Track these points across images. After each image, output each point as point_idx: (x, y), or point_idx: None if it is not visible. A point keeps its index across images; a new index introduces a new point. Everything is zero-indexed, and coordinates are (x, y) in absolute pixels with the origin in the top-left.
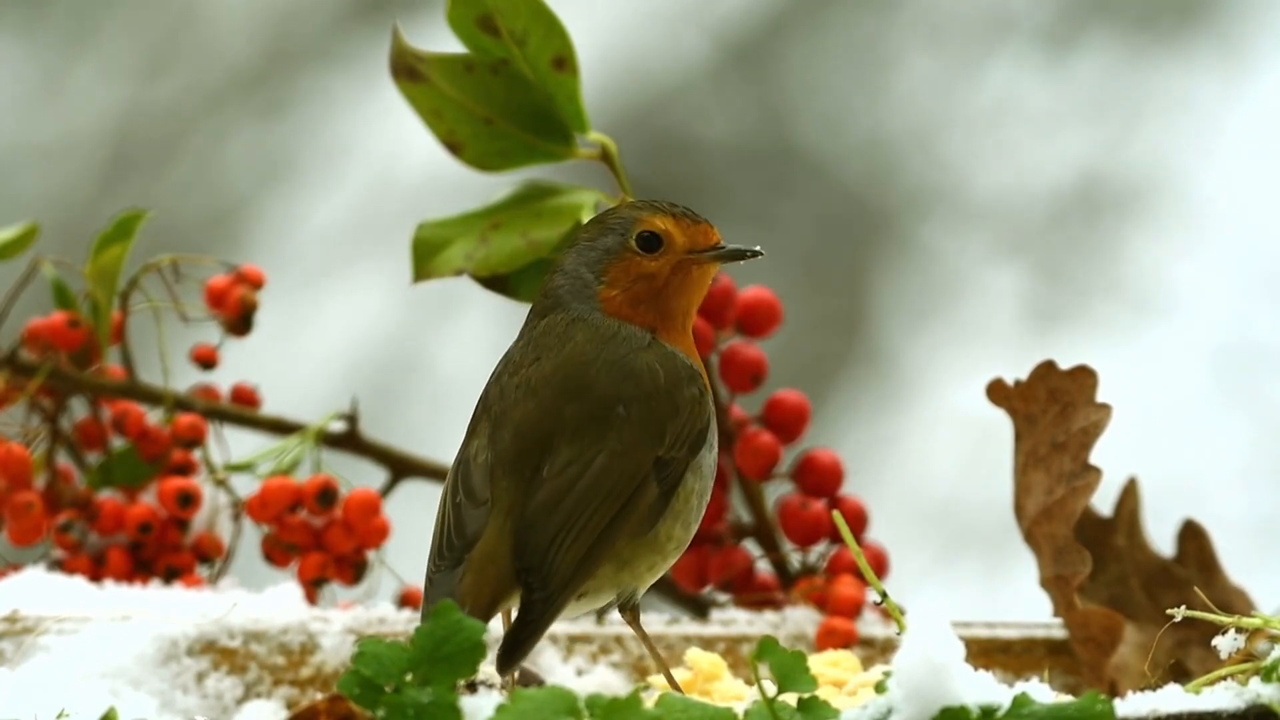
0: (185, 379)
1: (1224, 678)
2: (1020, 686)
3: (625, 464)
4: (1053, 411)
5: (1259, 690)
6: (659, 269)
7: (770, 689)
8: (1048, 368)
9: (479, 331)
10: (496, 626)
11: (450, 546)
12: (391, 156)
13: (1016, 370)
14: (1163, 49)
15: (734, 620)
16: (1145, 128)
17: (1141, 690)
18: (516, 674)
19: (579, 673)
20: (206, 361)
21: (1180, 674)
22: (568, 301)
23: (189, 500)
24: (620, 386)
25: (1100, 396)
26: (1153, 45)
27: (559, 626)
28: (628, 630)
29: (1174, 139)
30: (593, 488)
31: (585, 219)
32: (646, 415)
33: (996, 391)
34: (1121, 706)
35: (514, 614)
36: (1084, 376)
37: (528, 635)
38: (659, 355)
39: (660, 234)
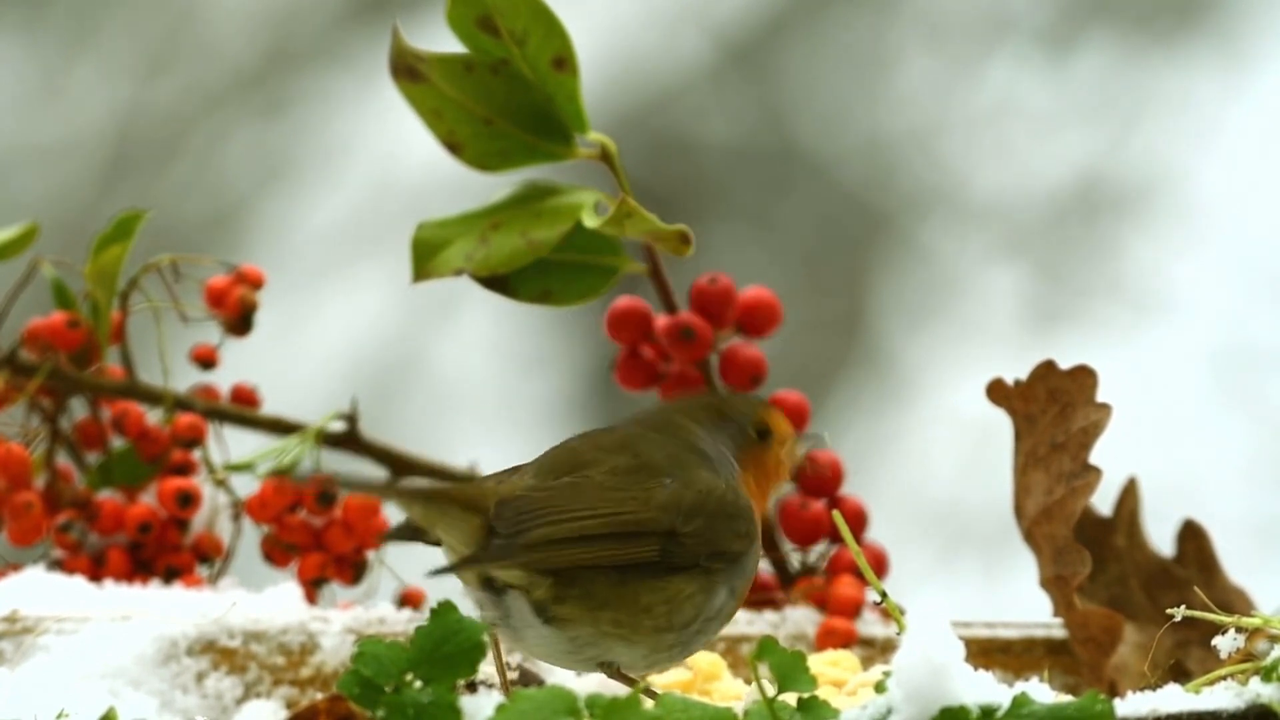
0: (185, 379)
1: (1224, 678)
2: (1020, 686)
3: (642, 509)
4: (1052, 411)
5: (1259, 690)
6: (771, 457)
7: (770, 689)
8: (1047, 368)
9: (479, 331)
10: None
11: None
12: (391, 156)
13: (1016, 370)
14: (1162, 49)
15: (734, 620)
16: (1145, 128)
17: (1141, 690)
18: (517, 674)
19: (578, 673)
20: (206, 361)
21: (1180, 674)
22: (717, 466)
23: (189, 500)
24: (675, 470)
25: (1100, 396)
26: (1152, 45)
27: None
28: None
29: (1174, 139)
30: (599, 497)
31: (585, 219)
32: (682, 495)
33: (996, 391)
34: (1121, 706)
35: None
36: (1084, 376)
37: (464, 564)
38: (729, 483)
39: (771, 428)
